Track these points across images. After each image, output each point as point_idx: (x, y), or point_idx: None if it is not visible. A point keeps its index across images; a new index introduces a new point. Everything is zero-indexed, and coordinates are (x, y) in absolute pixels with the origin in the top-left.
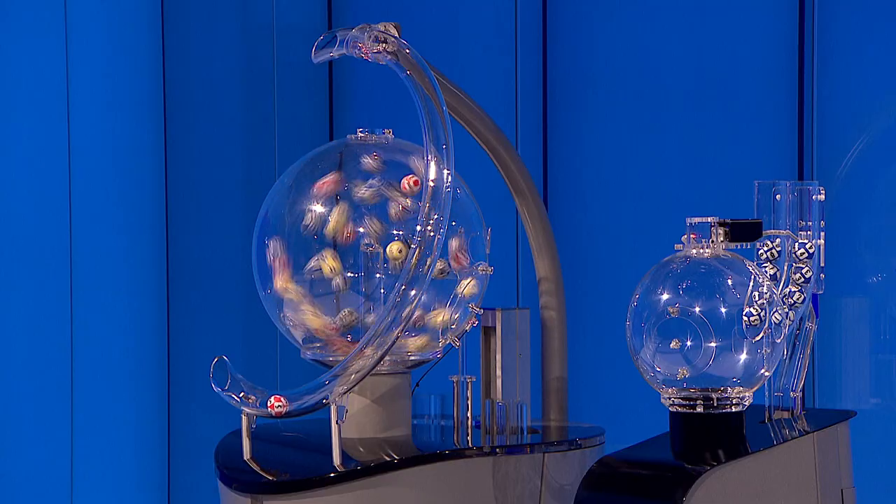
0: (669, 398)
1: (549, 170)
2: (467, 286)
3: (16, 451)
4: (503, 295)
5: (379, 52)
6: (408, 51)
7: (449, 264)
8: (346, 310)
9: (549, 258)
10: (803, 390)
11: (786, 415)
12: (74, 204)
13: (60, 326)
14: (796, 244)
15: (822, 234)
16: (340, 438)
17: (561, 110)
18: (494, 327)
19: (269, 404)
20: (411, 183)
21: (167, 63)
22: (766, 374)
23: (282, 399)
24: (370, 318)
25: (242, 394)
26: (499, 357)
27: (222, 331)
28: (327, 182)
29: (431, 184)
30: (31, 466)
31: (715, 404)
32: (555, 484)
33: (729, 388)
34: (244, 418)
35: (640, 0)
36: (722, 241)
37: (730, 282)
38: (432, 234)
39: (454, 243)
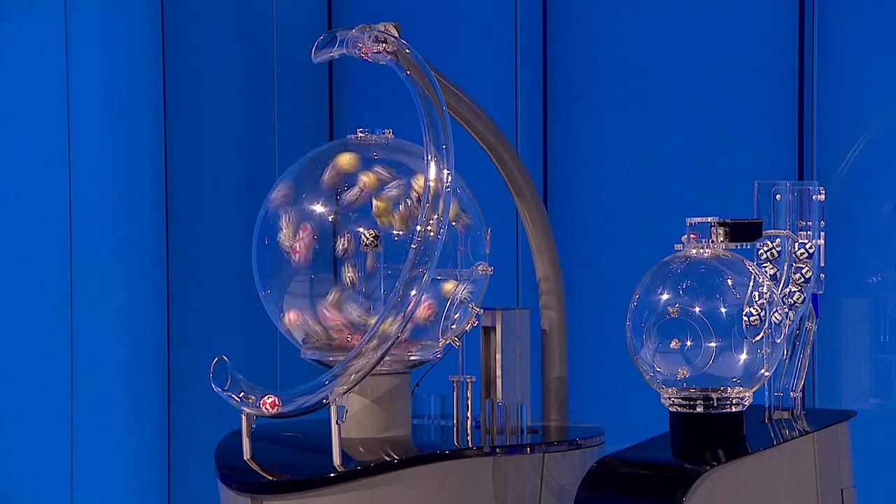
0: (669, 398)
1: (549, 170)
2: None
3: (16, 451)
4: (503, 295)
5: (379, 52)
6: (408, 51)
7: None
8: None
9: (549, 258)
10: (803, 390)
11: (786, 415)
12: (74, 203)
13: (60, 326)
14: (796, 244)
15: (822, 234)
16: (340, 438)
17: (561, 110)
18: (494, 327)
19: (261, 403)
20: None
21: (167, 63)
22: (766, 374)
23: (275, 399)
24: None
25: (242, 394)
26: (499, 357)
27: (222, 331)
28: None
29: (432, 184)
30: (31, 466)
31: (715, 404)
32: (555, 484)
33: (729, 388)
34: (244, 418)
35: (640, 0)
36: (722, 241)
37: (730, 282)
38: (432, 234)
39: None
